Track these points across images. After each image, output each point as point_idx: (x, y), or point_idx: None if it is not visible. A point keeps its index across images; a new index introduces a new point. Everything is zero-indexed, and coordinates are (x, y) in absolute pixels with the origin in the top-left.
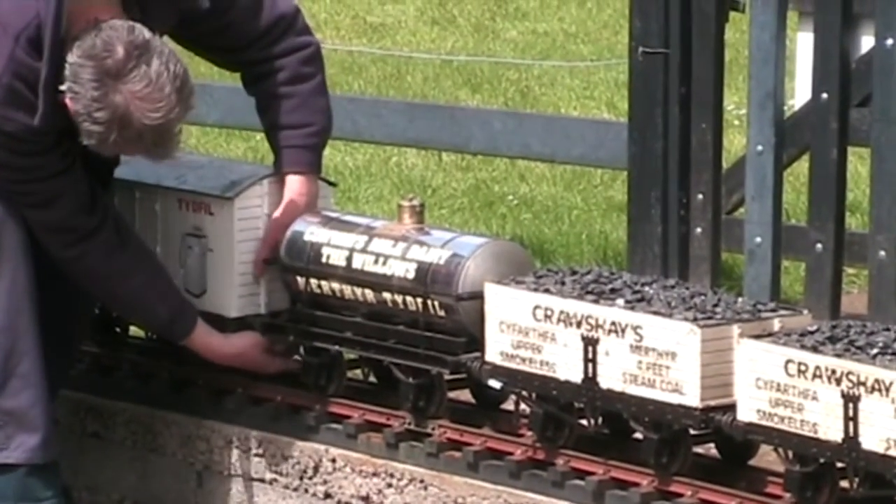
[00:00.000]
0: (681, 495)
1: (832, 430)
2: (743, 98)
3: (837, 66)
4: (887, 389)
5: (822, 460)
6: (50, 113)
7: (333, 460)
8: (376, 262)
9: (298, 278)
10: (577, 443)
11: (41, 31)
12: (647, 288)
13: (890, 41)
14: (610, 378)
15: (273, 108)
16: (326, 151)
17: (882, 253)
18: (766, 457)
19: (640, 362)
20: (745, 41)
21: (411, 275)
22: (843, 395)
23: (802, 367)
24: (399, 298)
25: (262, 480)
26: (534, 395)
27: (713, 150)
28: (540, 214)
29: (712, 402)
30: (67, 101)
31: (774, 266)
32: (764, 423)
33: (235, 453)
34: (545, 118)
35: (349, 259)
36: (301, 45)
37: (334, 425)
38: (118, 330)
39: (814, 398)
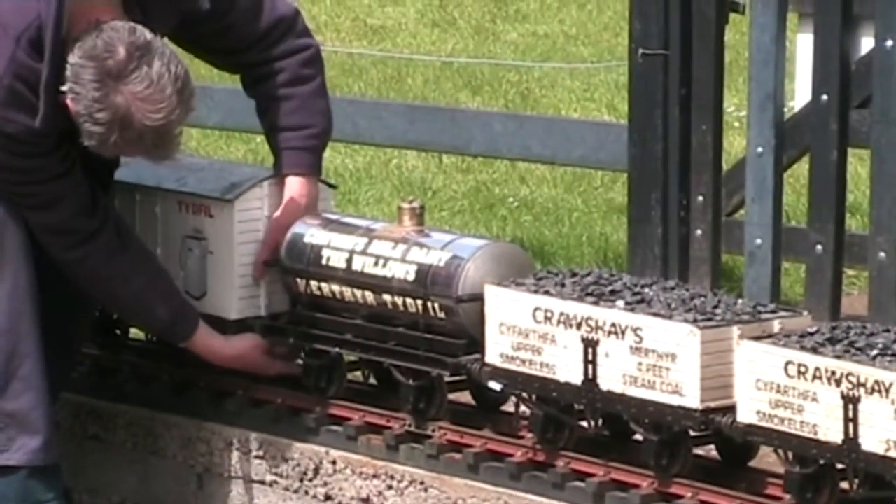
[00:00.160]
0: (681, 497)
1: (832, 432)
2: (743, 100)
3: (837, 67)
4: (887, 391)
5: (822, 462)
6: (51, 114)
7: (334, 462)
8: (376, 264)
9: (299, 280)
10: (578, 444)
11: (42, 33)
12: (647, 290)
13: (890, 42)
14: (610, 380)
15: (273, 110)
16: (326, 153)
17: (882, 254)
18: (766, 458)
19: (640, 364)
20: (745, 43)
21: (411, 277)
22: (843, 397)
23: (802, 369)
24: (399, 300)
25: (262, 482)
26: (534, 396)
27: (713, 151)
28: (540, 216)
29: (712, 404)
30: (68, 101)
31: (774, 268)
32: (764, 424)
33: (236, 455)
34: (545, 120)
35: (349, 261)
36: (301, 48)
37: (335, 427)
38: (118, 332)
39: (814, 399)
